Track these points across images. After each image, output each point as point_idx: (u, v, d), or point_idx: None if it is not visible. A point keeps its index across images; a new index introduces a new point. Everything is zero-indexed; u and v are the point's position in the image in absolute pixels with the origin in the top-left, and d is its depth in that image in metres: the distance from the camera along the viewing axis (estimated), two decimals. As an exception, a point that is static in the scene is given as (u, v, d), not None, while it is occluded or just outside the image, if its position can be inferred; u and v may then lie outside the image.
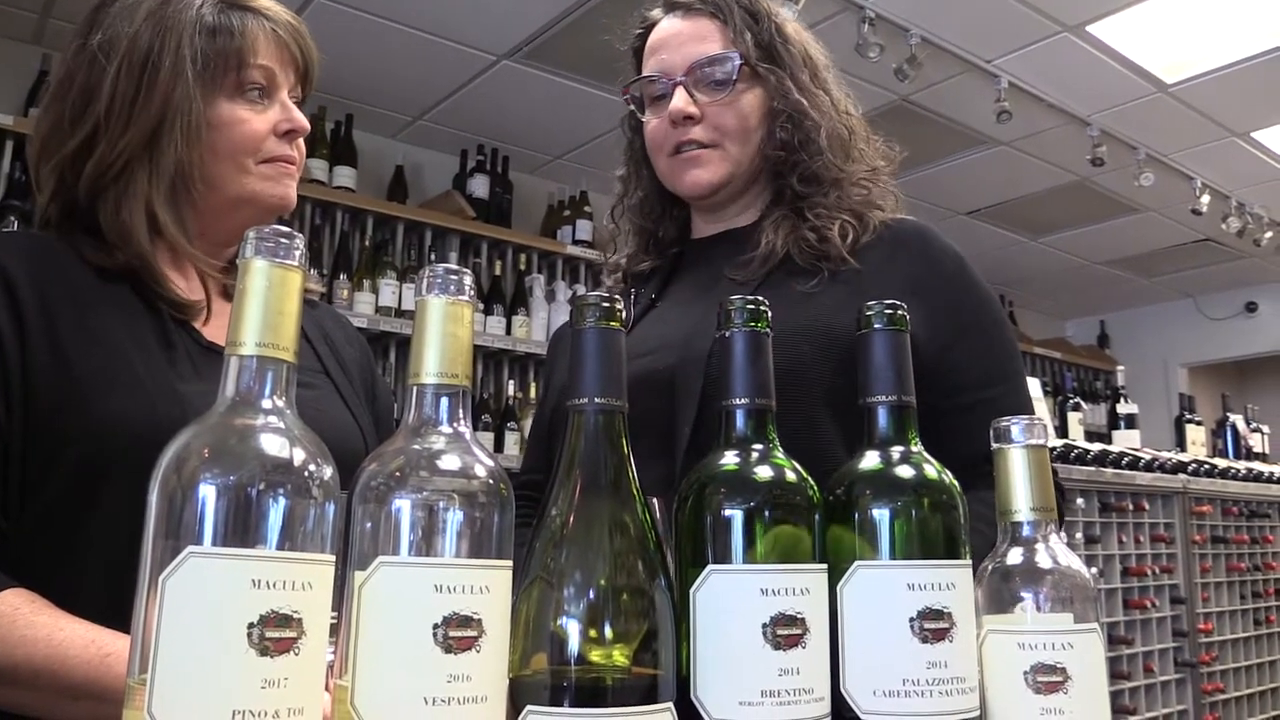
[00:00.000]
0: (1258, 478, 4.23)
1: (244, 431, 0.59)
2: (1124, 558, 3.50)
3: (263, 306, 0.60)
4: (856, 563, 0.67)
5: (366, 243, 3.97)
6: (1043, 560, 0.71)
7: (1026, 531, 0.71)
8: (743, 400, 0.70)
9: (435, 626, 0.59)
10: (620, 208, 1.46)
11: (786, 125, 1.27)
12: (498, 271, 4.25)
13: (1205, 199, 4.83)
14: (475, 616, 0.60)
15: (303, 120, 1.19)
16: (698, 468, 0.70)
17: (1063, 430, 4.89)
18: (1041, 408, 4.37)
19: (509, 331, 4.15)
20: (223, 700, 0.52)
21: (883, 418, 0.72)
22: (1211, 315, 6.79)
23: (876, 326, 0.72)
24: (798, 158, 1.28)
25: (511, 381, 4.23)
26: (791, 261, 1.24)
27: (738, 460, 0.69)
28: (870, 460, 0.71)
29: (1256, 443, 5.12)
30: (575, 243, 4.51)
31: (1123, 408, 4.65)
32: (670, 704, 0.63)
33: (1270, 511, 4.23)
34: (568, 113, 4.17)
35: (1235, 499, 4.04)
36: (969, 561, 0.69)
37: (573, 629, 0.62)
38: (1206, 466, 4.00)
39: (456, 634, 0.59)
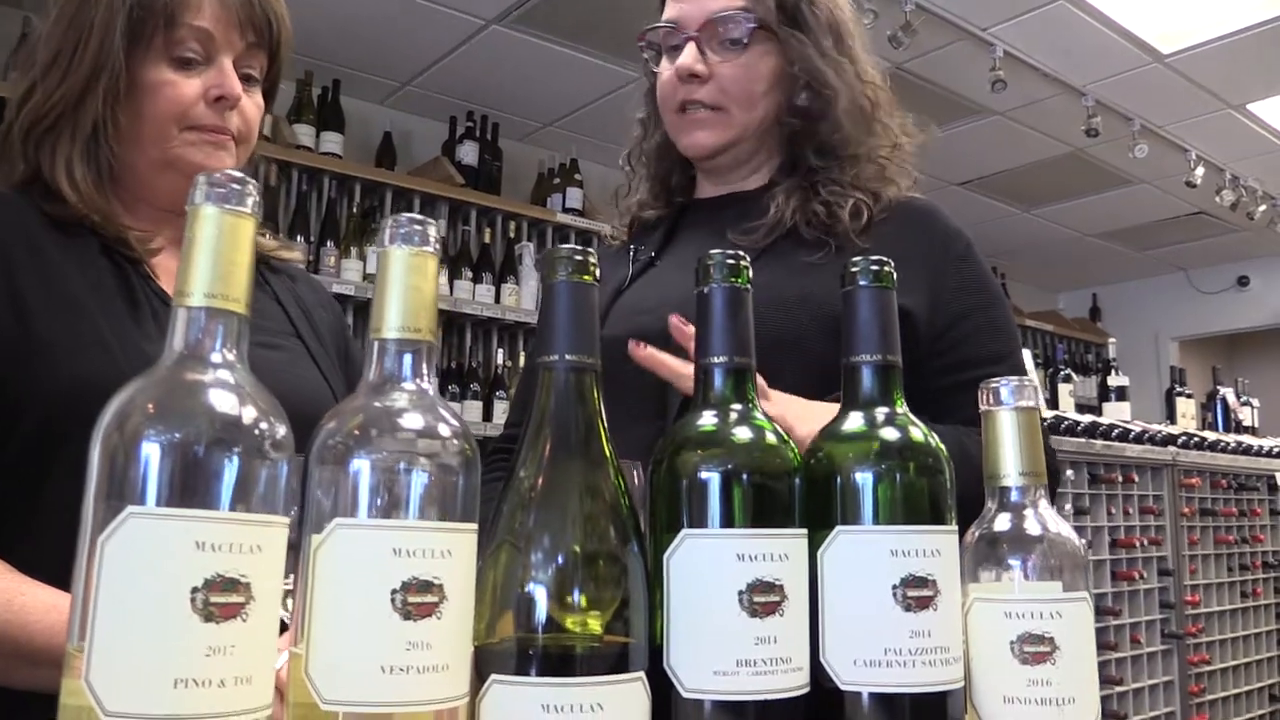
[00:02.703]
0: (1247, 451, 4.23)
1: (191, 386, 0.56)
2: (1113, 529, 3.50)
3: (212, 255, 0.57)
4: (838, 528, 0.65)
5: (354, 210, 3.93)
6: (1031, 527, 0.68)
7: (1015, 497, 0.69)
8: (721, 358, 0.67)
9: (394, 592, 0.56)
10: (637, 151, 1.43)
11: (804, 92, 1.24)
12: (487, 239, 4.21)
13: (1199, 171, 4.79)
14: (436, 582, 0.57)
15: (234, 87, 1.12)
16: (673, 428, 0.67)
17: (1053, 402, 4.88)
18: (1033, 379, 4.35)
19: (498, 300, 4.11)
20: (164, 668, 0.49)
21: (867, 378, 0.69)
22: (1203, 289, 6.78)
23: (861, 283, 0.69)
24: (814, 127, 1.25)
25: (500, 350, 4.20)
26: (798, 232, 1.21)
27: (715, 421, 0.66)
28: (853, 422, 0.68)
29: (1246, 416, 5.11)
30: (565, 211, 4.46)
31: (1113, 380, 4.63)
32: (642, 673, 0.60)
33: (1259, 485, 4.23)
34: (558, 79, 4.11)
35: (1224, 472, 4.04)
36: (955, 528, 0.67)
37: (540, 595, 0.59)
38: (1196, 439, 3.99)
39: (416, 600, 0.56)
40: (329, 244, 3.80)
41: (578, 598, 0.60)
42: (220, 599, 0.51)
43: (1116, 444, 3.55)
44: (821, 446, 0.68)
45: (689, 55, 1.22)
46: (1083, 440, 3.42)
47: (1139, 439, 3.67)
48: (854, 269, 0.70)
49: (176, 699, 0.49)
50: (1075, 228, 5.97)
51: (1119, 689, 3.40)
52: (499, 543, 0.62)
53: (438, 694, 0.56)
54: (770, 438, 0.66)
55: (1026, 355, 4.50)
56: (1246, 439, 4.40)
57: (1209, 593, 3.88)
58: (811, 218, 1.21)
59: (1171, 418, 4.69)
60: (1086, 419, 3.60)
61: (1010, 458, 0.68)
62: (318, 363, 1.28)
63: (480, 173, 4.34)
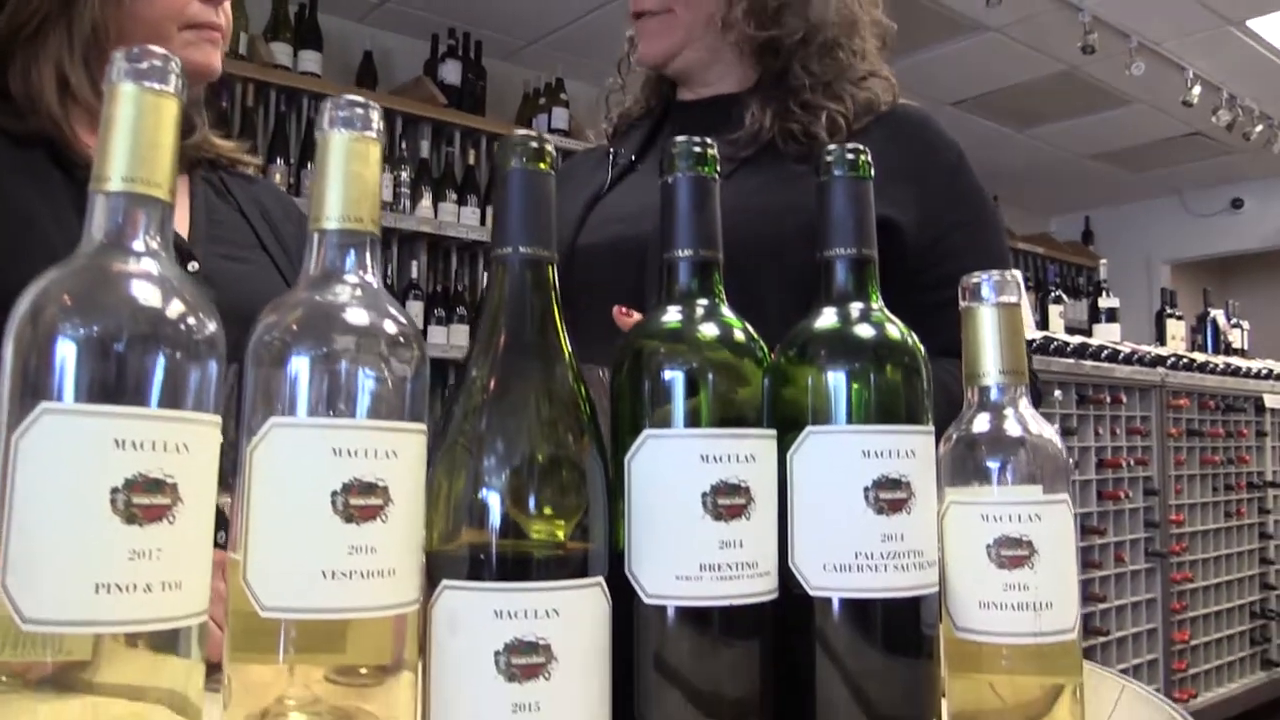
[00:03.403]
0: (1235, 372, 4.22)
1: (112, 277, 0.52)
2: (1099, 450, 3.50)
3: (132, 136, 0.53)
4: (808, 428, 0.61)
5: (333, 131, 3.83)
6: (1011, 428, 0.65)
7: (995, 396, 0.65)
8: (686, 251, 0.63)
9: (334, 494, 0.53)
10: (625, 61, 1.39)
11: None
12: (471, 161, 4.12)
13: (1196, 90, 4.71)
14: (380, 484, 0.54)
15: None
16: (636, 325, 0.64)
17: (1043, 324, 4.85)
18: (1024, 304, 4.32)
19: (483, 222, 4.04)
20: (84, 572, 0.46)
21: (841, 272, 0.65)
22: (1197, 212, 6.72)
23: (836, 173, 0.65)
24: (779, 34, 1.20)
25: (486, 273, 4.14)
26: (778, 143, 1.18)
27: (680, 317, 0.62)
28: (827, 318, 0.65)
29: (1236, 338, 5.10)
30: (551, 131, 4.36)
31: (1104, 302, 4.60)
32: (601, 578, 0.57)
33: (1246, 406, 4.23)
34: (542, -6, 3.99)
35: (1212, 393, 4.04)
36: (931, 428, 0.64)
37: (493, 500, 0.56)
38: (1185, 361, 3.98)
39: (359, 502, 0.53)
40: (309, 166, 3.72)
41: (533, 501, 0.57)
42: (143, 500, 0.48)
43: (1105, 365, 3.54)
44: (793, 344, 0.64)
45: None
46: (1071, 361, 3.40)
47: (1128, 360, 3.66)
48: (829, 158, 0.66)
49: (98, 604, 0.46)
50: (1069, 149, 5.88)
51: (1101, 606, 3.43)
52: (450, 445, 0.58)
53: (384, 600, 0.54)
54: (738, 335, 0.62)
55: (1018, 277, 4.46)
56: (1235, 361, 4.40)
57: (1193, 512, 3.91)
58: (787, 136, 1.17)
59: (1161, 340, 4.68)
60: (1076, 340, 3.58)
61: (990, 356, 0.65)
62: (284, 276, 1.25)
63: (464, 93, 4.24)
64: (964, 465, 0.65)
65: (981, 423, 0.66)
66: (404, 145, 3.98)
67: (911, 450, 0.61)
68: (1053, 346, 3.42)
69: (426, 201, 3.90)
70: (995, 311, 0.66)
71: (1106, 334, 4.34)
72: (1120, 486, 3.56)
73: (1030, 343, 3.37)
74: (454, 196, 4.00)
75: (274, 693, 0.53)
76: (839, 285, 0.65)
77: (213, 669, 0.54)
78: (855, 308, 0.64)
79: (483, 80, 4.36)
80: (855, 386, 0.62)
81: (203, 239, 1.22)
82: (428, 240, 3.98)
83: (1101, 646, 3.41)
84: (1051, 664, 0.64)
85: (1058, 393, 3.32)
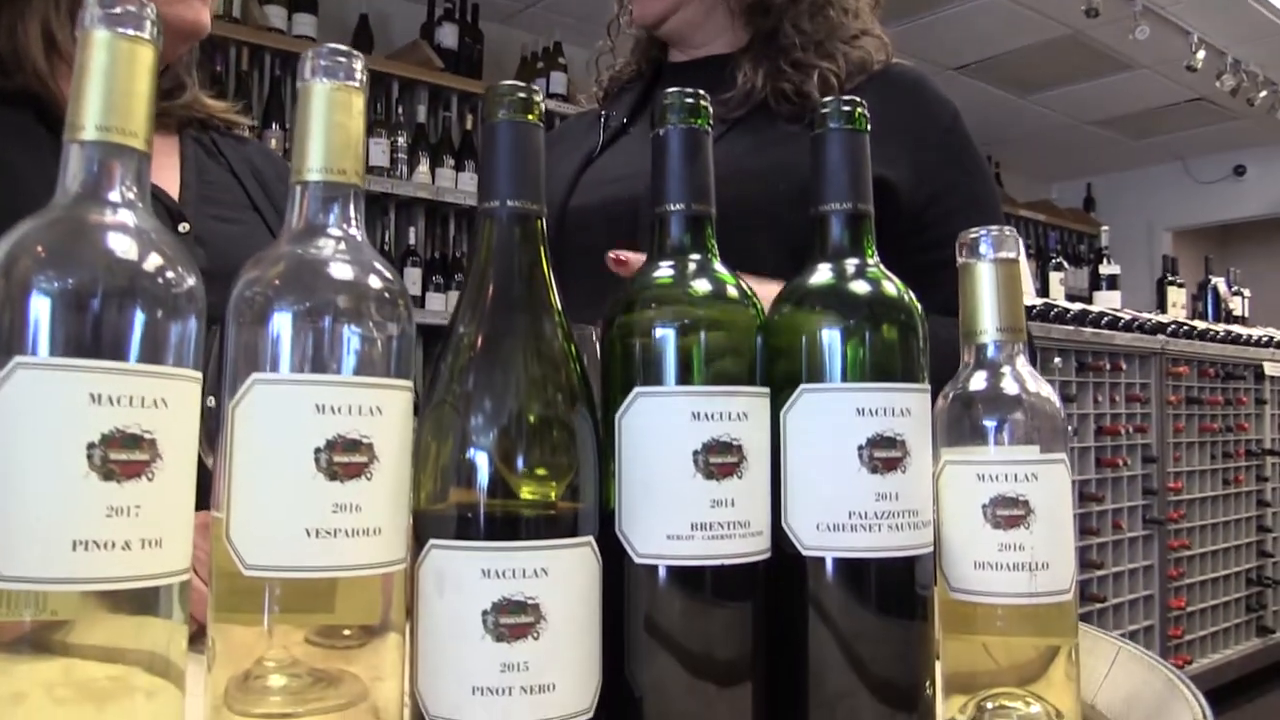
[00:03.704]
0: (1235, 340, 4.21)
1: (87, 228, 0.50)
2: (1099, 417, 3.50)
3: (106, 84, 0.51)
4: (801, 386, 0.60)
5: (329, 95, 3.79)
6: (1009, 386, 0.64)
7: (992, 354, 0.64)
8: (678, 205, 0.61)
9: (318, 451, 0.52)
10: (615, 23, 1.38)
11: None
12: (469, 126, 4.09)
13: (1201, 55, 4.66)
14: (365, 441, 0.53)
15: None
16: (627, 282, 0.63)
17: (1044, 290, 4.83)
18: (1025, 271, 4.30)
19: (480, 189, 4.01)
20: (61, 529, 0.45)
21: (836, 227, 0.63)
22: (1200, 178, 6.68)
23: (832, 125, 0.64)
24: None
25: (483, 240, 4.11)
26: (771, 104, 1.16)
27: (672, 273, 0.61)
28: (821, 274, 0.63)
29: (1237, 306, 5.08)
30: (549, 96, 4.32)
31: (1105, 269, 4.58)
32: (591, 537, 0.56)
33: (1246, 374, 4.22)
34: (538, -45, 3.94)
35: (1212, 360, 4.03)
36: (927, 386, 0.62)
37: (481, 458, 0.55)
38: (1185, 328, 3.96)
39: (343, 459, 0.52)
40: (305, 131, 3.68)
41: (521, 460, 0.56)
42: (121, 456, 0.47)
43: (1106, 332, 3.52)
44: (787, 301, 0.63)
45: None
46: (1071, 328, 3.39)
47: (1128, 327, 3.65)
48: (824, 110, 0.64)
49: (75, 561, 0.46)
50: (1072, 115, 5.84)
51: (1099, 573, 3.44)
52: (437, 403, 0.57)
53: (369, 559, 0.53)
54: (731, 291, 0.61)
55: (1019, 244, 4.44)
56: (1236, 328, 4.38)
57: (1191, 479, 3.91)
58: (779, 96, 1.16)
59: (1162, 307, 4.66)
60: (1076, 307, 3.56)
61: (988, 312, 0.64)
62: (277, 237, 1.24)
63: (461, 56, 4.19)
64: (960, 424, 0.64)
65: (978, 381, 0.64)
66: (400, 110, 3.95)
67: (907, 408, 0.60)
68: (1053, 313, 3.41)
69: (424, 167, 3.88)
70: (993, 268, 0.64)
71: (1107, 301, 4.33)
72: (1119, 453, 3.56)
73: (1030, 309, 3.36)
74: (451, 162, 3.97)
75: (256, 654, 0.53)
76: (834, 241, 0.64)
77: (200, 634, 0.53)
78: (851, 263, 0.63)
79: (480, 44, 4.31)
80: (850, 344, 0.61)
81: (194, 200, 1.21)
82: (425, 206, 3.95)
83: (1098, 613, 3.42)
84: (1047, 625, 0.63)
85: (1057, 359, 3.31)
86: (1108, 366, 3.52)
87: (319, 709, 0.52)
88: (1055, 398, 0.64)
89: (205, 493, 0.54)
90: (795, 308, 0.62)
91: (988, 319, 0.64)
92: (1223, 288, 4.96)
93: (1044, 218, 6.16)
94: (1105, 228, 5.20)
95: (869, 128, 0.65)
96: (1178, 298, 4.76)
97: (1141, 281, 5.90)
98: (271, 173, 1.33)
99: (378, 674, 0.54)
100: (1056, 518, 0.62)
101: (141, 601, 0.48)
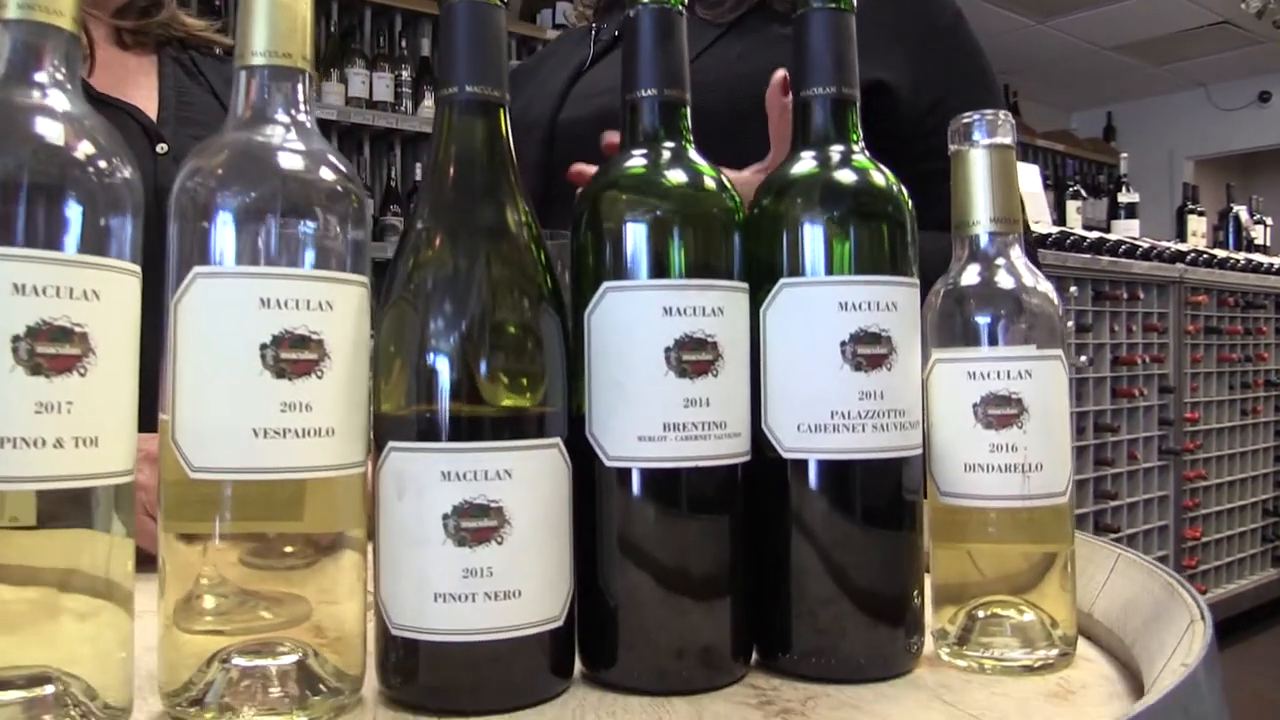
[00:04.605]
0: (1256, 269, 4.13)
1: (13, 111, 0.47)
2: (1114, 347, 3.45)
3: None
4: (781, 280, 0.57)
5: (333, 30, 3.73)
6: (1003, 280, 0.60)
7: (985, 244, 0.61)
8: (650, 91, 0.58)
9: (264, 347, 0.49)
10: None
11: None
12: (472, 59, 4.01)
13: (1226, -26, 4.52)
14: (315, 337, 0.50)
15: None
16: (596, 173, 0.59)
17: (1061, 221, 4.75)
18: (1041, 201, 4.22)
19: (485, 123, 3.95)
20: (-18, 425, 0.43)
21: (819, 114, 0.60)
22: (1223, 106, 6.52)
23: (815, 5, 0.59)
24: None
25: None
26: (768, 5, 1.11)
27: (644, 161, 0.58)
28: (804, 164, 0.59)
29: (1259, 235, 4.98)
30: (556, 27, 4.24)
31: (1123, 197, 4.48)
32: (559, 439, 0.54)
33: (1266, 303, 4.15)
34: (541, -120, 3.83)
35: (1232, 290, 3.96)
36: (916, 280, 0.59)
37: (442, 359, 0.52)
38: (1205, 256, 3.89)
39: (291, 356, 0.49)
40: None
41: (484, 359, 0.53)
42: (49, 350, 0.44)
43: (1123, 260, 3.46)
44: (767, 192, 0.60)
45: None
46: (1088, 256, 3.33)
47: (1146, 255, 3.58)
48: (807, -11, 0.60)
49: (2, 460, 0.43)
50: (1092, 40, 5.68)
51: (1113, 503, 3.42)
52: (395, 301, 0.55)
53: (321, 460, 0.50)
54: (708, 180, 0.58)
55: (1035, 174, 4.35)
56: (1257, 257, 4.30)
57: (1209, 410, 3.87)
58: None
59: (1182, 236, 4.57)
60: (1093, 235, 3.50)
61: (981, 202, 0.60)
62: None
63: (464, -13, 4.10)
64: (951, 321, 0.61)
65: (971, 275, 0.61)
66: (404, 43, 3.87)
67: (893, 303, 0.57)
68: (1069, 241, 3.34)
69: (429, 102, 3.81)
70: (987, 154, 0.60)
71: (1125, 230, 4.24)
72: (1135, 384, 3.51)
73: (1045, 237, 3.30)
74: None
75: (196, 573, 0.50)
76: (817, 127, 0.60)
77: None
78: (835, 151, 0.59)
79: (484, -26, 4.21)
80: (832, 235, 0.57)
81: (172, 119, 1.18)
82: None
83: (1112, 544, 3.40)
84: (1041, 531, 0.60)
85: (1073, 288, 3.25)
86: (1125, 296, 3.46)
87: (245, 629, 0.50)
88: (1053, 292, 0.60)
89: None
90: (775, 199, 0.59)
91: (980, 208, 0.60)
92: (1245, 216, 4.86)
93: (1063, 148, 6.03)
94: (1124, 155, 5.09)
95: (854, 6, 0.61)
96: (1198, 226, 4.67)
97: (1162, 213, 5.79)
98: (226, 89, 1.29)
99: (328, 596, 0.51)
100: (1051, 417, 0.59)
101: (75, 510, 0.46)
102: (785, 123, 0.85)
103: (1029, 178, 3.94)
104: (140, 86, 1.19)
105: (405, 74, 3.78)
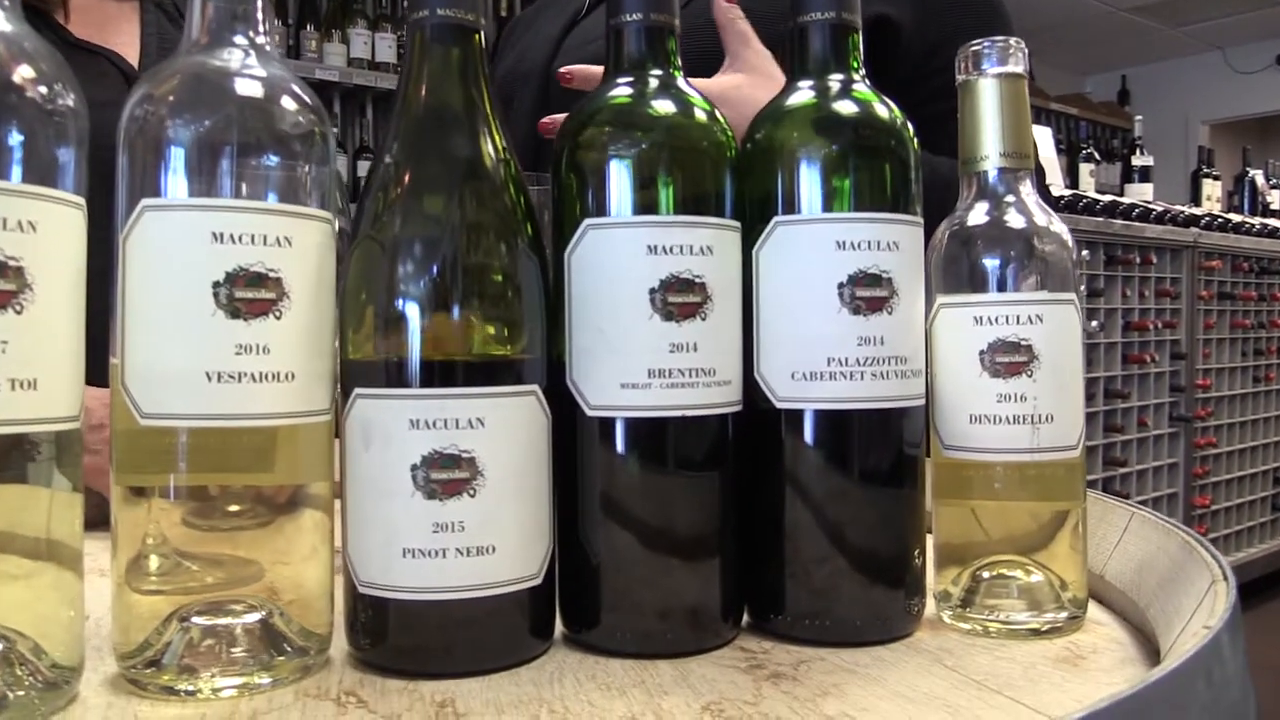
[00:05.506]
0: (1271, 234, 4.07)
1: (-57, 31, 0.44)
2: (1126, 312, 3.40)
3: None
4: (775, 219, 0.53)
5: (333, -12, 3.67)
6: (1013, 219, 0.56)
7: (994, 180, 0.57)
8: (635, 15, 0.54)
9: (217, 285, 0.46)
10: None
11: None
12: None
13: (1246, -69, 4.41)
14: (272, 274, 0.47)
15: None
16: (577, 105, 0.55)
17: (1073, 184, 4.67)
18: (1054, 165, 4.15)
19: (489, 85, 3.89)
20: (-91, 365, 0.40)
21: (817, 40, 0.56)
22: (1240, 69, 6.41)
23: (814, -77, 0.56)
24: None
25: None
26: None
27: (629, 91, 0.54)
28: (801, 94, 0.56)
29: (1275, 199, 4.90)
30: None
31: (1137, 160, 4.40)
32: (536, 387, 0.51)
33: (1282, 268, 4.09)
34: None
35: (1247, 255, 3.90)
36: (919, 219, 0.55)
37: (411, 301, 0.49)
38: (1220, 220, 3.83)
39: (246, 294, 0.46)
40: (309, 27, 3.57)
41: (454, 302, 0.50)
42: (-23, 283, 0.41)
43: (1136, 224, 3.40)
44: (761, 124, 0.56)
45: None
46: (1101, 220, 3.27)
47: (1160, 219, 3.52)
48: (806, -93, 0.56)
49: (-73, 403, 0.40)
50: (1107, 2, 5.58)
51: (1122, 470, 3.39)
52: (363, 239, 0.51)
53: (280, 406, 0.47)
54: (697, 112, 0.54)
55: (1048, 137, 4.28)
56: (1272, 222, 4.23)
57: (1221, 377, 3.82)
58: None
59: (1196, 200, 4.50)
60: (1106, 198, 3.44)
61: (990, 134, 0.56)
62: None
63: (467, -54, 4.03)
64: (957, 264, 0.57)
65: (979, 214, 0.57)
66: (406, 3, 3.81)
67: (894, 242, 0.53)
68: (1081, 204, 3.29)
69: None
70: (997, 84, 0.56)
71: (1139, 194, 4.18)
72: (1146, 349, 3.47)
73: (1058, 199, 3.24)
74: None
75: (142, 533, 0.47)
76: (815, 55, 0.56)
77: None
78: (834, 80, 0.55)
79: (488, -68, 4.15)
80: (830, 170, 0.53)
81: (154, 66, 1.14)
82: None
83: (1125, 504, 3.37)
84: (1050, 487, 0.57)
85: (1085, 252, 3.20)
86: (1137, 260, 3.41)
87: (202, 586, 0.47)
88: (1066, 232, 0.57)
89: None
90: (770, 132, 0.55)
91: (989, 142, 0.56)
92: (1261, 180, 4.79)
93: (1076, 111, 5.94)
94: (1139, 118, 5.00)
95: (856, -73, 0.56)
96: (1213, 190, 4.59)
97: (1176, 177, 5.70)
98: None
99: (281, 558, 0.48)
100: (1063, 366, 0.55)
101: (11, 458, 0.42)
102: (732, 32, 0.82)
103: (1042, 141, 3.87)
104: (121, 33, 1.15)
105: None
